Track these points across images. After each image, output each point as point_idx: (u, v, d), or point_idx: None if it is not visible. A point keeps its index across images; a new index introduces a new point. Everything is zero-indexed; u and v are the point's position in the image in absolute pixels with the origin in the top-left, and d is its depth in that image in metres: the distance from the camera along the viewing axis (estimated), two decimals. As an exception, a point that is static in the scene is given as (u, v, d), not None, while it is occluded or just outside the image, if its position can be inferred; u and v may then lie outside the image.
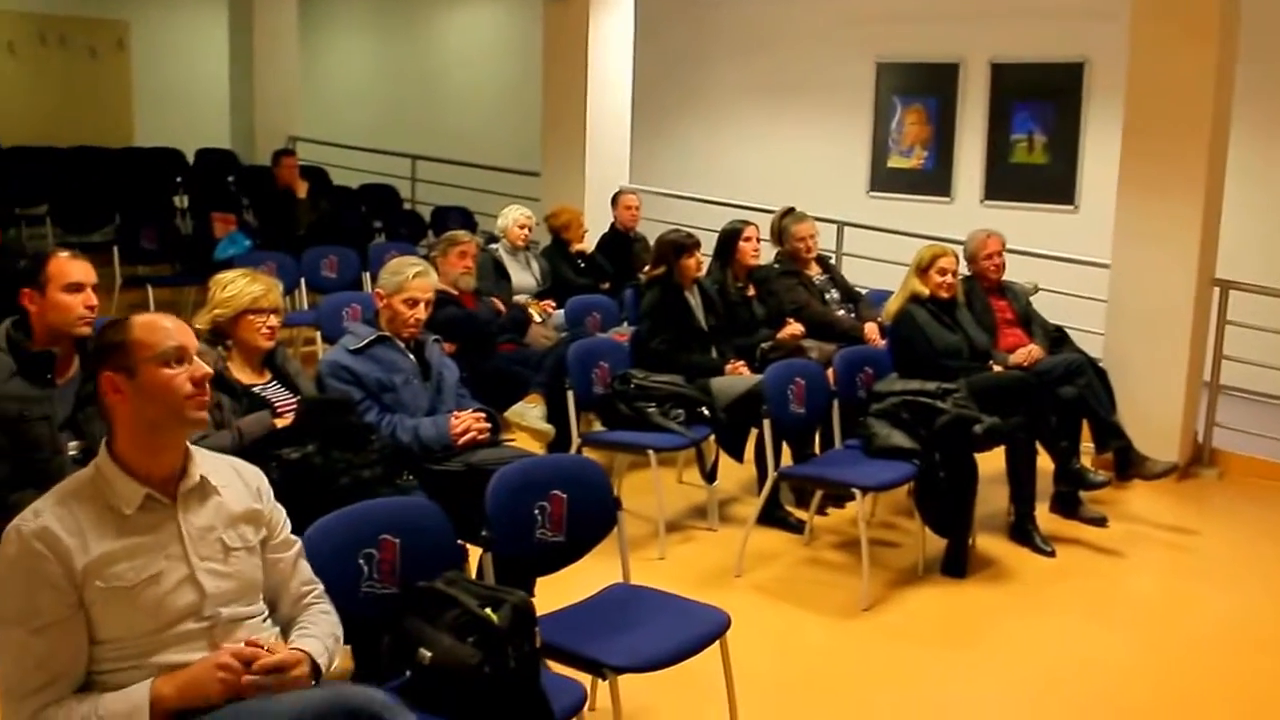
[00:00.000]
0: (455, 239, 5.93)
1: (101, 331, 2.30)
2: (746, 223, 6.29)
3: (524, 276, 7.19)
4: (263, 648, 2.21)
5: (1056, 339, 6.10)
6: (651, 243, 8.06)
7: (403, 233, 9.93)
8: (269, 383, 3.80)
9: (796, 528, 5.34)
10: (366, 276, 8.12)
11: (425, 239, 10.13)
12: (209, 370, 2.32)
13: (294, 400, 3.75)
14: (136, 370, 2.23)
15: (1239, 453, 6.63)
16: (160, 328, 2.28)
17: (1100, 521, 5.56)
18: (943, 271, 5.53)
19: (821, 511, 5.44)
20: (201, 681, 2.14)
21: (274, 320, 3.83)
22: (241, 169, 10.97)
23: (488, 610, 2.61)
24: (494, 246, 7.24)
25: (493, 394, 4.68)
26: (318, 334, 6.67)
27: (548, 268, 7.42)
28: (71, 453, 3.15)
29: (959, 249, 5.88)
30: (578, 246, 7.74)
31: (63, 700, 2.12)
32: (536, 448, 5.00)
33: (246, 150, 11.46)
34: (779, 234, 6.61)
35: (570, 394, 5.31)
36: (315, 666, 2.31)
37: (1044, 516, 5.42)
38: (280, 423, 3.57)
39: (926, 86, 9.94)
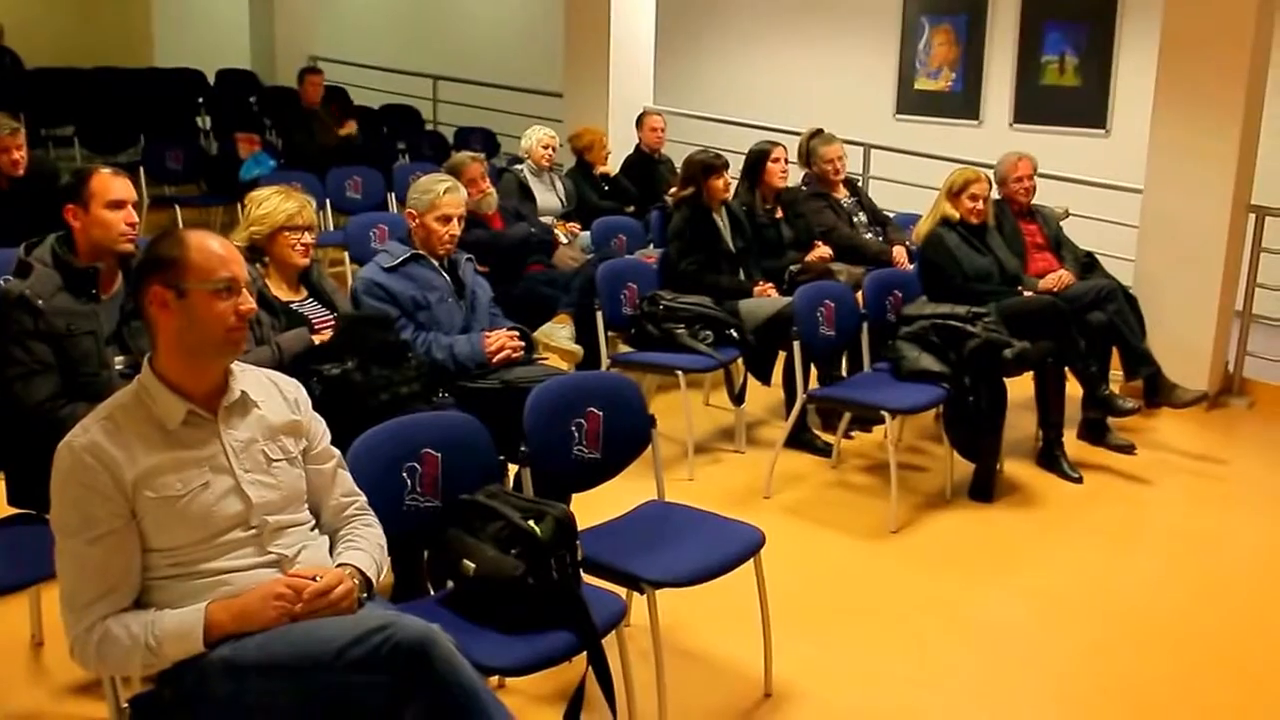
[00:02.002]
0: (459, 166, 5.71)
1: (156, 242, 2.29)
2: (774, 144, 6.23)
3: (548, 198, 7.16)
4: (313, 577, 2.24)
5: (1086, 264, 6.06)
6: (677, 165, 8.05)
7: (426, 153, 9.89)
8: (306, 299, 3.80)
9: (824, 451, 5.36)
10: (391, 197, 8.11)
11: (447, 160, 10.09)
12: (254, 306, 2.33)
13: (331, 317, 3.77)
14: (187, 293, 2.24)
15: (1270, 382, 6.59)
16: (216, 255, 2.28)
17: (1128, 449, 5.55)
18: (974, 197, 5.47)
19: (847, 435, 5.46)
20: (255, 610, 2.17)
21: (309, 237, 3.82)
22: (263, 89, 10.92)
23: (530, 522, 2.63)
24: (518, 167, 7.21)
25: (521, 314, 4.67)
26: (345, 254, 6.67)
27: (572, 189, 7.39)
28: (119, 367, 3.16)
29: (988, 172, 5.82)
30: (601, 169, 7.70)
31: (121, 614, 2.16)
32: (566, 368, 5.01)
33: (267, 71, 11.40)
34: (807, 155, 6.57)
35: (599, 315, 5.32)
36: (366, 579, 2.35)
37: (1071, 443, 5.43)
38: (318, 339, 3.60)
39: (955, 5, 9.79)
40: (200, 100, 10.69)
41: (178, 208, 8.04)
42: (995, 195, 5.87)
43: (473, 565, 2.62)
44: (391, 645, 2.05)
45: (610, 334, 5.49)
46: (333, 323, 3.68)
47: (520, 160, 7.35)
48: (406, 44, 13.01)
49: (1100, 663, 3.68)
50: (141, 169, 8.17)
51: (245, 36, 11.85)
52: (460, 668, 2.09)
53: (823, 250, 6.09)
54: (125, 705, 2.28)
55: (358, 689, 2.06)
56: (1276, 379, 6.62)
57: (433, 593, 2.95)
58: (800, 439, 5.33)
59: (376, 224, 6.71)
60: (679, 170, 5.91)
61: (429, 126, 11.06)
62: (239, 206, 8.11)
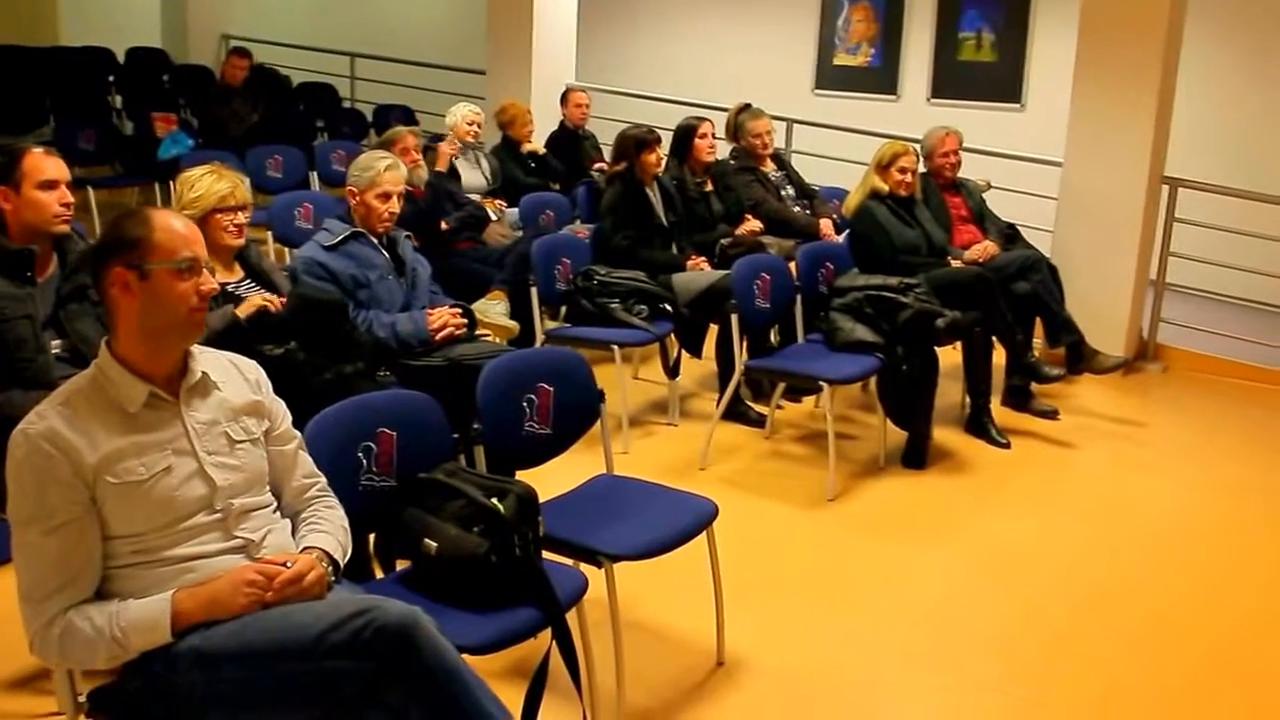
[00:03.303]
0: (394, 137, 5.75)
1: (119, 223, 2.24)
2: (701, 119, 6.26)
3: (474, 175, 7.11)
4: (284, 563, 2.21)
5: (1009, 236, 6.19)
6: (602, 140, 8.05)
7: (345, 131, 9.77)
8: (243, 280, 3.74)
9: (757, 421, 5.41)
10: (314, 175, 7.99)
11: (367, 138, 9.99)
12: (215, 286, 2.30)
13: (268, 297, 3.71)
14: (150, 274, 2.19)
15: (1183, 348, 6.82)
16: (179, 234, 2.23)
17: (1052, 414, 5.70)
18: (903, 170, 5.57)
19: (779, 406, 5.52)
20: (225, 598, 2.14)
21: (242, 217, 3.75)
22: (175, 68, 10.68)
23: (494, 500, 2.63)
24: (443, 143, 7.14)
25: (453, 292, 4.65)
26: (269, 234, 6.56)
27: (497, 166, 7.34)
28: (55, 351, 3.10)
29: (915, 146, 5.90)
30: (529, 147, 7.65)
31: (82, 605, 2.10)
32: (502, 344, 5.00)
33: (178, 49, 11.15)
34: (734, 130, 6.61)
35: (534, 290, 5.32)
36: (333, 562, 2.32)
37: (997, 410, 5.56)
38: (247, 309, 3.54)
39: (874, -17, 9.90)
40: (111, 79, 10.41)
41: (90, 189, 7.80)
42: (921, 169, 5.97)
43: (435, 544, 2.61)
44: (374, 629, 2.03)
45: (544, 309, 5.49)
46: (262, 299, 3.62)
47: (442, 138, 7.28)
48: (323, 21, 12.79)
49: (1039, 621, 3.79)
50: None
51: (155, 14, 11.56)
52: (445, 650, 2.08)
53: (753, 224, 6.15)
54: (83, 699, 2.20)
55: (339, 674, 2.04)
56: (1189, 345, 6.85)
57: (380, 574, 2.92)
58: (734, 410, 5.38)
59: (301, 203, 6.60)
60: (612, 146, 5.90)
61: (347, 104, 10.90)
62: (157, 187, 8.04)
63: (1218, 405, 6.25)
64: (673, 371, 5.52)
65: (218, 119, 8.58)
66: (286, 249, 6.37)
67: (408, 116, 9.87)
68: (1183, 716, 3.27)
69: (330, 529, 2.40)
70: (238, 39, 10.99)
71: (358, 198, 4.05)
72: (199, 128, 8.68)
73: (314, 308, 3.55)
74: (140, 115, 8.84)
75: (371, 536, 2.94)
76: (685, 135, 6.19)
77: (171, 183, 7.68)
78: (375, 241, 4.06)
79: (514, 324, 5.28)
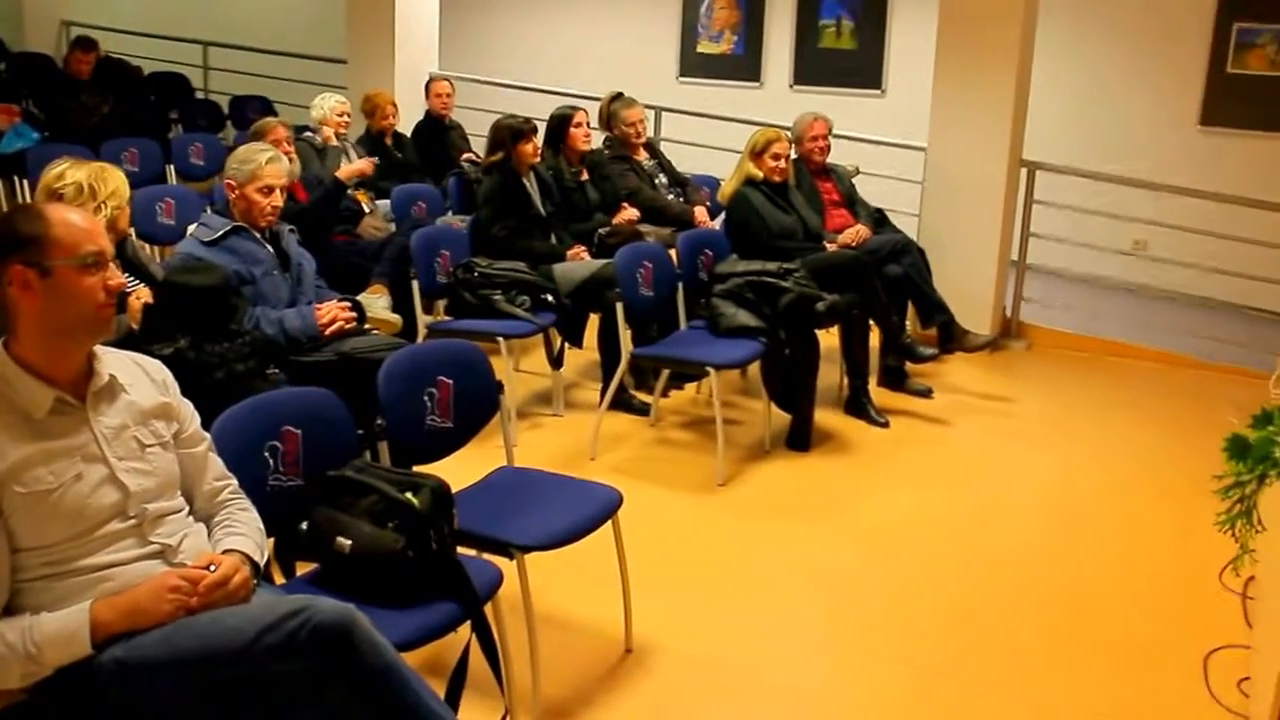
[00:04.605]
0: (264, 129, 5.66)
1: (9, 219, 2.14)
2: (576, 108, 6.25)
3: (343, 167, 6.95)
4: (208, 567, 2.15)
5: (878, 220, 6.32)
6: (469, 130, 7.97)
7: (201, 123, 9.47)
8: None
9: (642, 410, 5.44)
10: (171, 169, 7.74)
11: (224, 130, 9.72)
12: (122, 280, 2.21)
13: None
14: (52, 270, 2.10)
15: (1044, 326, 7.08)
16: (80, 228, 2.14)
17: (926, 393, 5.85)
18: (776, 156, 5.64)
19: (664, 394, 5.55)
20: (147, 605, 2.06)
21: (114, 210, 3.64)
22: (11, 55, 10.20)
23: (408, 495, 2.60)
24: (309, 134, 6.98)
25: (332, 286, 4.56)
26: (131, 231, 6.31)
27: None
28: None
29: (785, 132, 5.99)
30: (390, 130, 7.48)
31: None
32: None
33: (14, 36, 10.64)
34: (608, 119, 6.61)
35: (415, 283, 5.25)
36: (254, 564, 2.27)
37: (875, 390, 5.68)
38: (133, 320, 3.42)
39: (734, -29, 9.99)
40: (-62, 68, 9.91)
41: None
42: (792, 154, 6.06)
43: (348, 542, 2.56)
44: (311, 629, 1.99)
45: (424, 302, 5.42)
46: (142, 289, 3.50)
47: (306, 129, 7.11)
48: (173, 8, 12.34)
49: (932, 591, 3.91)
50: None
51: (-15, -1, 11.04)
52: (383, 647, 2.05)
53: (630, 212, 6.16)
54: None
55: (275, 676, 1.99)
56: (1049, 322, 7.11)
57: (281, 579, 2.85)
58: (619, 399, 5.39)
59: (162, 198, 6.39)
60: (487, 136, 5.84)
61: (201, 95, 10.57)
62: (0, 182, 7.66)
63: (1079, 378, 6.51)
64: (557, 362, 5.51)
65: (65, 111, 8.22)
66: (148, 245, 6.14)
67: (266, 108, 9.62)
68: (1080, 673, 3.40)
69: (247, 531, 2.34)
70: (80, 25, 10.55)
71: (237, 192, 3.93)
72: (45, 120, 8.30)
73: (190, 296, 3.39)
74: (-26, 107, 8.41)
75: (272, 541, 2.87)
76: (560, 125, 6.18)
77: (17, 177, 7.40)
78: (258, 236, 3.96)
79: (397, 318, 5.20)
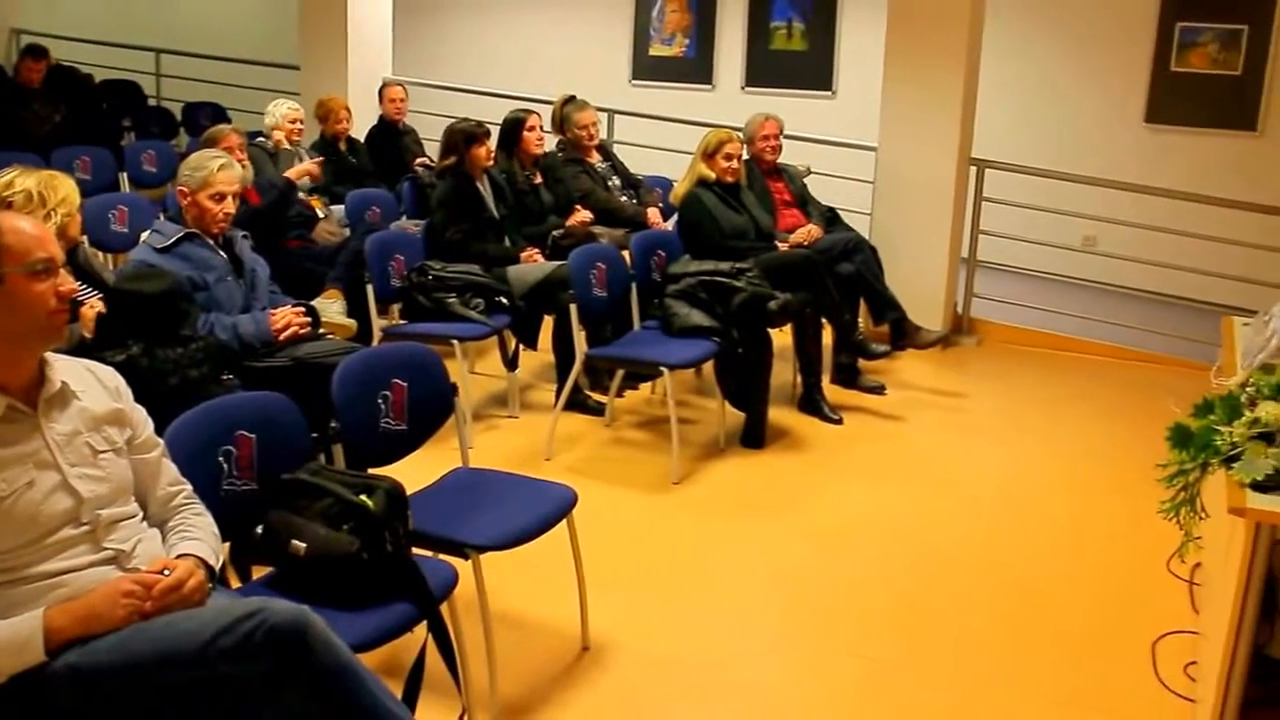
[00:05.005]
0: (217, 136, 5.64)
1: None
2: (529, 112, 6.28)
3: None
4: (162, 572, 2.15)
5: (830, 219, 6.39)
6: (422, 135, 7.97)
7: (154, 131, 9.41)
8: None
9: (597, 410, 5.47)
10: (124, 177, 7.70)
11: (176, 137, 9.66)
12: (74, 285, 2.22)
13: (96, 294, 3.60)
14: (3, 278, 2.11)
15: (994, 321, 7.18)
16: (30, 235, 2.15)
17: (879, 390, 5.92)
18: (729, 157, 5.69)
19: (618, 394, 5.59)
20: (101, 611, 2.06)
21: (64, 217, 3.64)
22: (-45, 63, 10.11)
23: (363, 497, 2.62)
24: (261, 140, 6.97)
25: (287, 291, 4.56)
26: (84, 239, 6.28)
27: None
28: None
29: (736, 133, 6.04)
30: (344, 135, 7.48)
31: None
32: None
33: (-39, 43, 10.56)
34: (560, 122, 6.64)
35: (370, 287, 5.26)
36: (209, 569, 2.28)
37: (828, 388, 5.74)
38: (86, 329, 3.42)
39: (686, -26, 10.04)
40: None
41: None
42: (744, 155, 6.12)
43: (303, 545, 2.58)
44: (266, 631, 2.00)
45: (379, 306, 5.43)
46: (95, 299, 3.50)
47: (260, 134, 7.10)
48: (123, 14, 12.23)
49: (886, 586, 3.96)
50: None
51: (-69, 6, 10.92)
52: (338, 647, 2.07)
53: (583, 214, 6.19)
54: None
55: (231, 679, 2.00)
56: (1000, 318, 7.21)
57: (237, 583, 2.86)
58: (574, 400, 5.42)
59: (115, 205, 6.36)
60: (440, 140, 5.86)
61: (153, 103, 10.50)
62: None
63: (1030, 373, 6.61)
64: (511, 364, 5.54)
65: (16, 120, 8.15)
66: (102, 254, 6.11)
67: (218, 115, 9.57)
68: (1033, 662, 3.47)
69: (202, 535, 2.35)
70: (30, 34, 10.46)
71: (189, 198, 3.93)
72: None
73: (140, 303, 3.39)
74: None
75: (227, 545, 2.88)
76: (513, 128, 6.21)
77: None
78: (211, 243, 3.96)
79: (352, 322, 5.21)
